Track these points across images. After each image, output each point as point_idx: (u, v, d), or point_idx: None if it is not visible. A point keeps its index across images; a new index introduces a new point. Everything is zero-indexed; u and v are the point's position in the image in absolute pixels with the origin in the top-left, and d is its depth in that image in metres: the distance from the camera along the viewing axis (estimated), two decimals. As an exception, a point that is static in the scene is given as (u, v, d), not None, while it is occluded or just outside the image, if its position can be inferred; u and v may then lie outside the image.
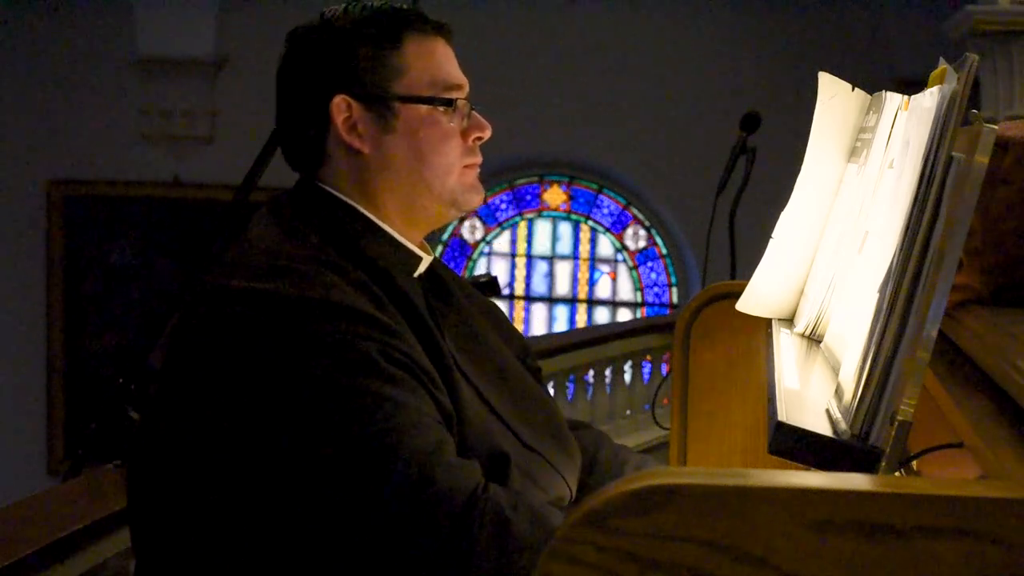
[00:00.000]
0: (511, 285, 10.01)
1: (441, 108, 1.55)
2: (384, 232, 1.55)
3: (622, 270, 9.99)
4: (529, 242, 10.06)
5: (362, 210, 1.55)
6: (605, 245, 9.99)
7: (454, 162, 1.57)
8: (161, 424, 1.46)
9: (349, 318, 1.39)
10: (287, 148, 1.61)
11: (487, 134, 1.60)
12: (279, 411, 1.36)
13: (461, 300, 1.66)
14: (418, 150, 1.55)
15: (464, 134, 1.58)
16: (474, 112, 1.59)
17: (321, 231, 1.51)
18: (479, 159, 1.61)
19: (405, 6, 1.59)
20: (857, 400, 1.16)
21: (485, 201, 9.93)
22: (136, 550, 1.53)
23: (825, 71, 1.73)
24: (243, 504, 1.38)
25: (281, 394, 1.36)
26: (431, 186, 1.56)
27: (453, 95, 1.56)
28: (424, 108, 1.54)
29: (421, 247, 1.60)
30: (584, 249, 10.00)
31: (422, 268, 1.59)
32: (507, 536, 1.34)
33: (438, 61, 1.57)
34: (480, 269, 9.95)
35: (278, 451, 1.35)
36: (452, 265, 9.91)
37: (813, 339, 1.64)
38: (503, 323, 1.77)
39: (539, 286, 10.09)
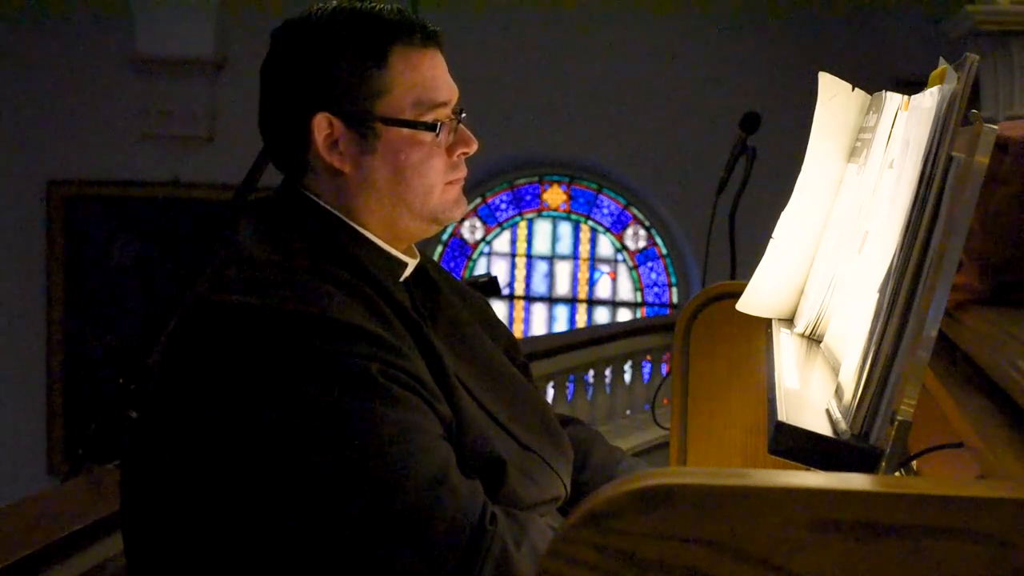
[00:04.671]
0: (511, 285, 10.01)
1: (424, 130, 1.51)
2: (368, 240, 1.53)
3: (622, 270, 9.99)
4: (529, 242, 10.06)
5: (345, 219, 1.52)
6: (605, 245, 9.99)
7: (436, 182, 1.53)
8: (156, 440, 1.44)
9: (349, 335, 1.36)
10: (271, 154, 1.59)
11: (473, 149, 1.56)
12: (280, 434, 1.33)
13: (451, 300, 1.65)
14: (400, 171, 1.51)
15: (449, 150, 1.54)
16: (461, 126, 1.56)
17: (306, 238, 1.49)
18: (463, 173, 1.57)
19: (399, 9, 1.54)
20: (857, 400, 1.16)
21: (485, 201, 9.95)
22: (128, 560, 1.52)
23: (825, 71, 1.72)
24: (238, 523, 1.37)
25: (282, 416, 1.33)
26: (412, 206, 1.53)
27: (438, 114, 1.52)
28: (406, 130, 1.50)
29: (407, 251, 1.58)
30: (584, 249, 10.00)
31: (408, 272, 1.57)
32: (508, 574, 1.34)
33: (424, 77, 1.52)
34: (480, 269, 9.95)
35: (278, 475, 1.33)
36: (452, 265, 9.92)
37: (813, 339, 1.64)
38: (492, 320, 1.76)
39: (539, 286, 10.09)
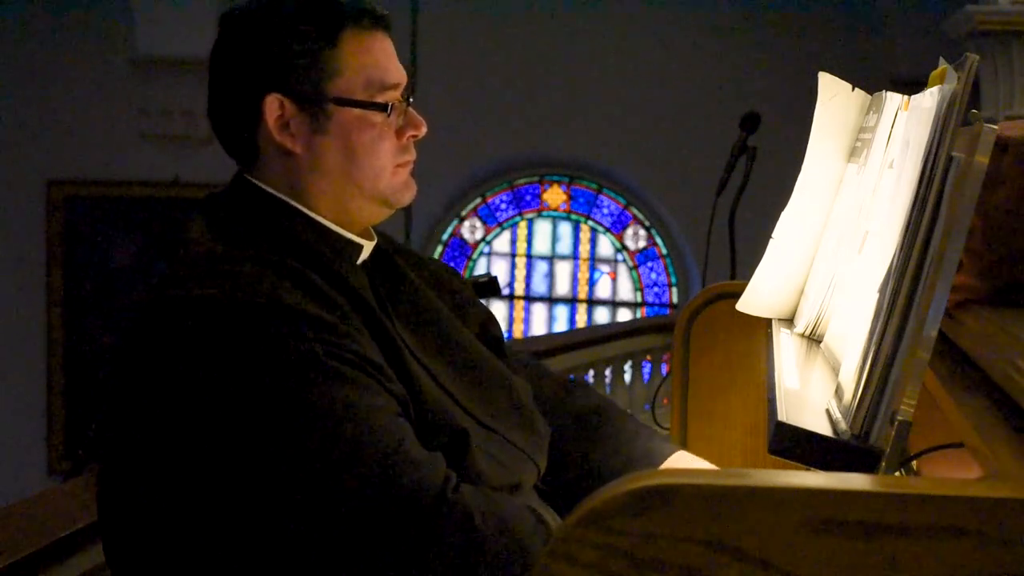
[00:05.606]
0: (511, 285, 10.01)
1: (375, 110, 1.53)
2: (318, 223, 1.53)
3: (622, 270, 9.99)
4: (529, 242, 10.06)
5: (296, 205, 1.53)
6: (605, 245, 9.99)
7: (386, 163, 1.55)
8: (118, 437, 1.45)
9: (292, 319, 1.37)
10: (221, 140, 1.59)
11: (422, 132, 1.58)
12: (234, 421, 1.34)
13: (415, 282, 1.65)
14: (350, 152, 1.53)
15: (399, 132, 1.56)
16: (410, 109, 1.58)
17: (254, 228, 1.49)
18: (412, 156, 1.59)
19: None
20: (857, 400, 1.16)
21: (485, 201, 9.92)
22: (108, 559, 1.52)
23: (825, 71, 1.73)
24: (204, 513, 1.38)
25: (231, 405, 1.34)
26: (362, 187, 1.54)
27: (389, 96, 1.54)
28: (358, 110, 1.52)
29: (364, 234, 1.59)
30: (584, 249, 10.00)
31: (365, 255, 1.58)
32: (472, 543, 1.34)
33: (375, 60, 1.54)
34: (480, 269, 9.94)
35: (236, 461, 1.34)
36: (452, 265, 9.89)
37: (813, 339, 1.64)
38: (465, 299, 1.75)
39: (539, 286, 10.09)
